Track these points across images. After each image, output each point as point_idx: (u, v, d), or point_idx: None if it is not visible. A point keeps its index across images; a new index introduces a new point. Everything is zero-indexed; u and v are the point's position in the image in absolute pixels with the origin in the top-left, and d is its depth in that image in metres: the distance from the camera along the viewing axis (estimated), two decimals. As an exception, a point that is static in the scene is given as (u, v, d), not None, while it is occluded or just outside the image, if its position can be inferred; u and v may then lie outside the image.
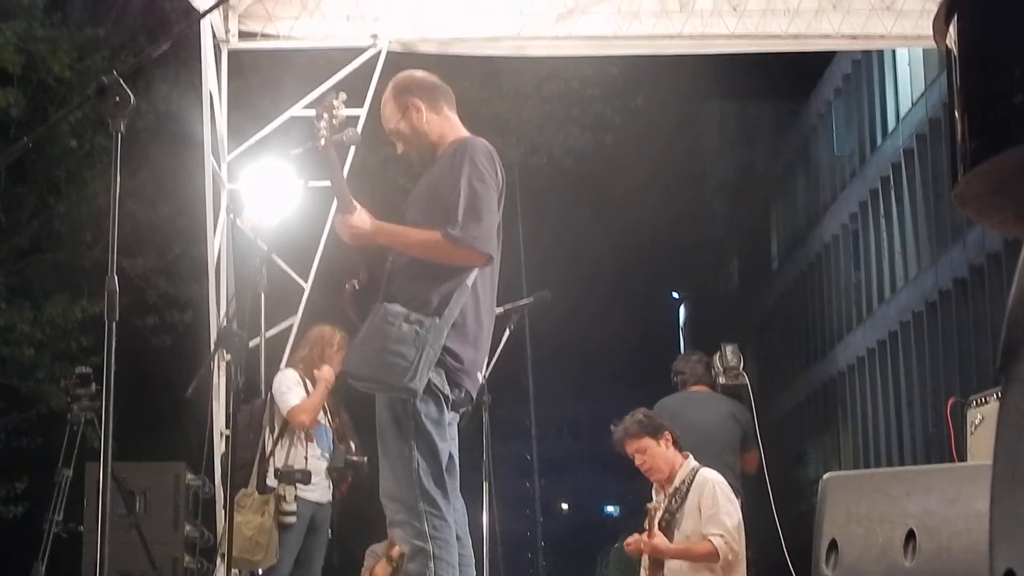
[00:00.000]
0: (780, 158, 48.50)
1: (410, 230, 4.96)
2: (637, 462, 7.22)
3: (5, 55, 15.61)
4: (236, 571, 7.53)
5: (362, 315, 4.97)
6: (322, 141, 4.95)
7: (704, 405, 8.82)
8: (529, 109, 20.34)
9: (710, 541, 6.84)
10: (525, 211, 29.75)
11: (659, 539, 6.92)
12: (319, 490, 7.97)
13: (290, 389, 7.95)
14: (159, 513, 9.44)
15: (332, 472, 7.97)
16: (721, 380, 8.80)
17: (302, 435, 7.91)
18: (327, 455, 7.97)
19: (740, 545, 6.98)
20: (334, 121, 4.97)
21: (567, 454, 54.38)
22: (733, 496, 7.10)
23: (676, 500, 7.04)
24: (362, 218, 4.95)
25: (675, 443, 7.21)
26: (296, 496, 7.78)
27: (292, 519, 7.74)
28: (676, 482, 7.10)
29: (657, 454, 7.14)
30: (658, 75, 23.07)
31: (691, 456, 7.24)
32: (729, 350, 8.79)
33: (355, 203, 4.96)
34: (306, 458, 7.88)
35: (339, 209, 5.01)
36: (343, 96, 5.08)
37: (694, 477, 7.07)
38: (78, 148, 17.00)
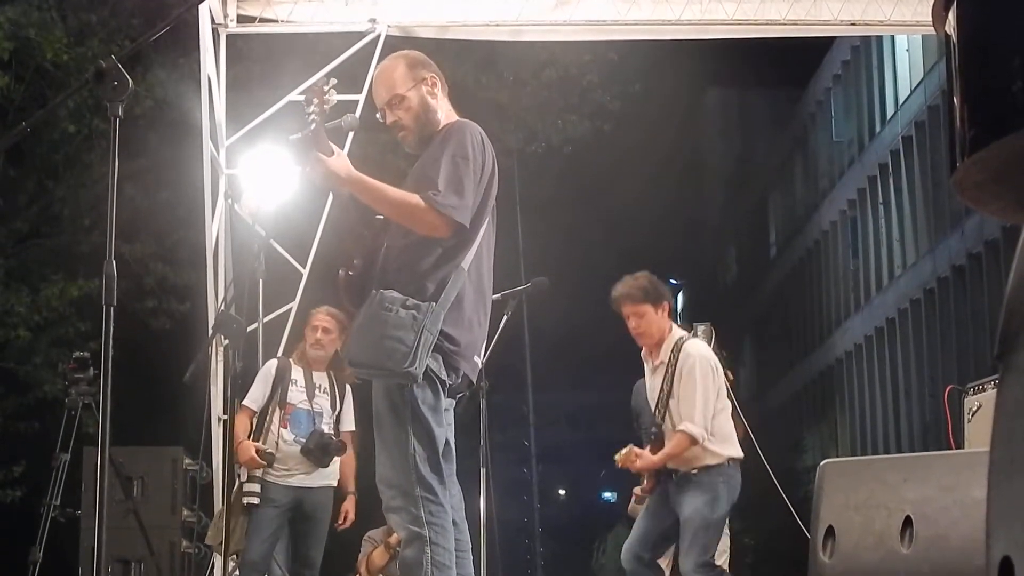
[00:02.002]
0: (778, 145, 48.47)
1: (387, 186, 4.91)
2: (631, 324, 7.30)
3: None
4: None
5: (357, 302, 4.95)
6: (313, 126, 4.90)
7: None
8: (527, 96, 20.32)
9: (684, 432, 7.00)
10: (523, 198, 29.77)
11: (643, 459, 7.11)
12: (298, 475, 7.90)
13: (255, 382, 7.95)
14: (157, 498, 9.46)
15: (308, 454, 7.89)
16: None
17: (276, 421, 7.88)
18: (302, 439, 7.90)
19: (724, 415, 7.12)
20: (325, 107, 4.93)
21: (564, 441, 54.35)
22: (711, 370, 7.17)
23: (666, 380, 7.16)
24: (340, 162, 4.88)
25: (670, 312, 7.34)
26: (258, 478, 7.73)
27: (253, 500, 7.70)
28: (663, 355, 7.23)
29: (652, 321, 7.25)
30: (657, 62, 23.02)
31: (675, 327, 7.34)
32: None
33: (335, 148, 4.90)
34: (264, 442, 7.88)
35: (318, 150, 4.90)
36: (333, 81, 5.03)
37: (680, 350, 7.18)
38: (76, 133, 16.98)
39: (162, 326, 18.18)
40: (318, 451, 7.86)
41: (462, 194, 4.83)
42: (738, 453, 7.15)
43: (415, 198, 4.81)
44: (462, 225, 4.84)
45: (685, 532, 7.03)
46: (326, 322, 8.05)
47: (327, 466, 7.94)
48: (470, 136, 4.98)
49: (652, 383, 7.32)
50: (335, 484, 8.14)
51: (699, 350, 7.20)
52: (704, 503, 7.01)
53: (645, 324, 7.24)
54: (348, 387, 8.16)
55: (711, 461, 7.05)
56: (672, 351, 7.18)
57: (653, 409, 7.21)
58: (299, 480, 7.90)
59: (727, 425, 7.15)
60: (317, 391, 8.02)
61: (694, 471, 7.07)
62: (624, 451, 7.20)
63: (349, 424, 8.17)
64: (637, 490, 7.91)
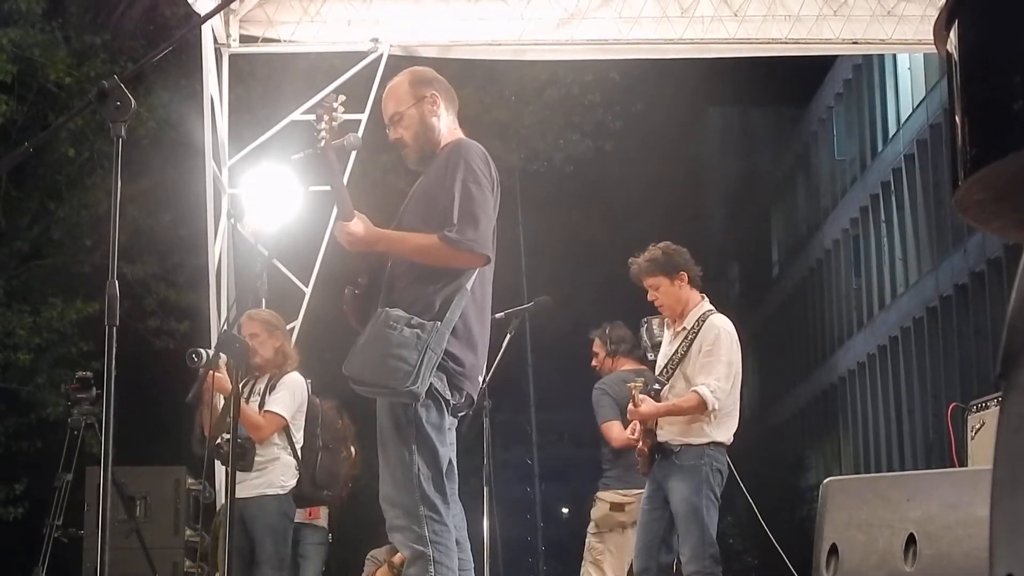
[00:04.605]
0: (781, 163, 48.51)
1: (408, 236, 4.96)
2: (650, 297, 7.30)
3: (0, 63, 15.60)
4: None
5: (363, 320, 4.96)
6: (322, 143, 4.94)
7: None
8: (529, 115, 20.37)
9: (696, 392, 6.89)
10: (525, 216, 29.80)
11: (645, 405, 7.00)
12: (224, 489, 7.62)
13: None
14: (159, 518, 9.45)
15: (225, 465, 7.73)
16: (650, 356, 8.63)
17: None
18: None
19: (733, 395, 7.04)
20: (333, 124, 4.97)
21: (567, 459, 54.27)
22: (735, 347, 7.13)
23: (684, 344, 7.10)
24: (361, 225, 4.95)
25: (691, 281, 7.26)
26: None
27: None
28: (686, 322, 7.17)
29: (669, 293, 7.22)
30: (658, 81, 23.10)
31: (706, 299, 7.28)
32: (655, 323, 8.65)
33: (354, 210, 4.96)
34: None
35: (339, 216, 5.00)
36: (342, 98, 5.06)
37: (704, 321, 7.12)
38: (77, 156, 17.01)
39: (164, 346, 18.18)
40: (220, 459, 7.67)
41: (477, 224, 4.84)
42: (724, 439, 7.04)
43: (432, 240, 4.84)
44: (487, 257, 4.88)
45: (678, 524, 6.97)
46: (250, 328, 7.77)
47: (245, 469, 7.39)
48: (476, 156, 4.98)
49: (669, 348, 7.25)
50: (275, 493, 7.64)
51: (724, 324, 7.14)
52: (690, 490, 6.92)
53: (663, 296, 7.22)
54: (286, 377, 7.84)
55: (694, 440, 6.97)
56: (698, 320, 7.14)
57: (662, 369, 7.15)
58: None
59: (733, 410, 7.09)
60: (250, 399, 7.69)
61: (676, 447, 7.00)
62: (639, 384, 7.10)
63: (268, 404, 7.63)
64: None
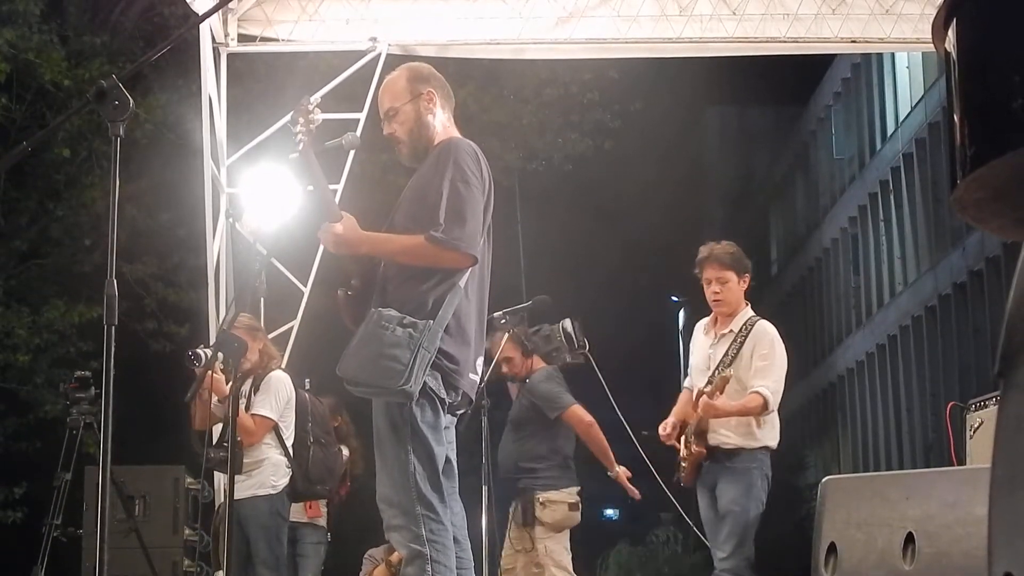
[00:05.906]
0: (780, 162, 48.51)
1: (393, 237, 4.96)
2: (712, 288, 7.30)
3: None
4: None
5: (357, 321, 4.95)
6: (300, 145, 4.95)
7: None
8: (528, 114, 20.36)
9: (759, 393, 6.98)
10: (524, 216, 29.77)
11: (721, 401, 6.99)
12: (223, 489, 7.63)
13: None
14: (158, 517, 9.43)
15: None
16: (567, 358, 8.48)
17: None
18: None
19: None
20: (311, 125, 4.97)
21: (567, 458, 54.26)
22: (784, 351, 7.26)
23: (734, 346, 7.16)
24: (347, 227, 4.94)
25: (748, 289, 7.37)
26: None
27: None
28: (733, 325, 7.24)
29: (734, 291, 7.28)
30: (657, 80, 23.07)
31: (749, 305, 7.35)
32: (575, 325, 8.51)
33: (340, 211, 4.95)
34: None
35: (325, 217, 4.98)
36: (317, 99, 5.07)
37: (753, 325, 7.21)
38: (73, 157, 17.01)
39: (163, 346, 18.17)
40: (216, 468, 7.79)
41: (464, 223, 4.84)
42: (773, 443, 7.14)
43: (418, 241, 4.84)
44: (474, 256, 4.87)
45: (723, 523, 7.00)
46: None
47: (236, 471, 7.49)
48: (466, 156, 4.97)
49: (712, 351, 7.28)
50: (267, 493, 7.71)
51: (774, 331, 7.25)
52: (741, 493, 6.99)
53: (726, 291, 7.25)
54: (269, 376, 7.82)
55: (748, 444, 7.05)
56: (745, 324, 7.21)
57: (713, 372, 7.16)
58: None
59: (775, 415, 7.15)
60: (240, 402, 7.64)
61: (728, 449, 7.05)
62: (710, 388, 7.04)
63: (255, 408, 7.71)
64: (542, 535, 7.90)
